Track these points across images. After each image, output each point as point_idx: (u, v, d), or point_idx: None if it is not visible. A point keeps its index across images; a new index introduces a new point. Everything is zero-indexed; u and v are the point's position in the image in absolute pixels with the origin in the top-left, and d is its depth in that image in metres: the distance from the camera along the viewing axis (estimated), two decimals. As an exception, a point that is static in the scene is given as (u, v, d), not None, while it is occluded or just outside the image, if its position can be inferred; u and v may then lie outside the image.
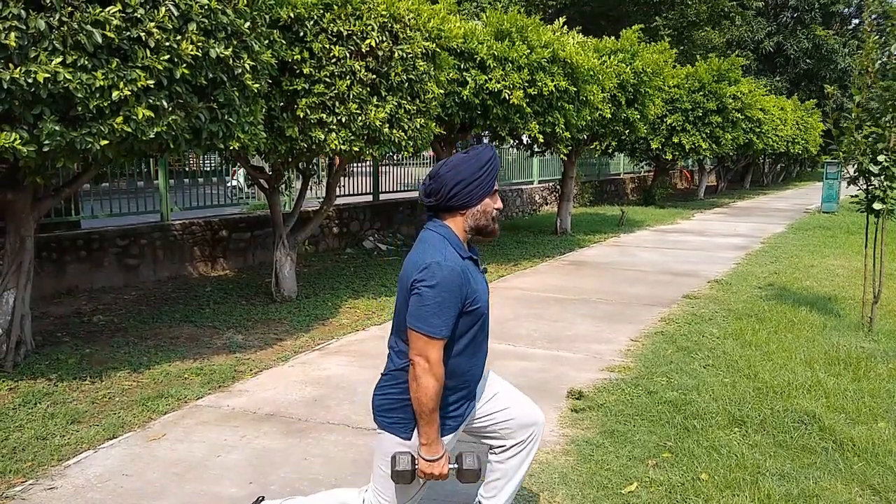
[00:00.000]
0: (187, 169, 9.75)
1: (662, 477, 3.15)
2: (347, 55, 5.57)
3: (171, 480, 3.12)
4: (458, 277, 2.12)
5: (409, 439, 2.21)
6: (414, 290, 2.13)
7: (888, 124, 5.22)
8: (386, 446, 2.25)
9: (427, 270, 2.11)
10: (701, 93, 15.78)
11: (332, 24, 5.53)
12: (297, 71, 5.49)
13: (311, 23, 5.48)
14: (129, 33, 3.75)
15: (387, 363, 2.32)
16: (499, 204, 2.30)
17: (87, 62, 3.61)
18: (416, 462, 2.17)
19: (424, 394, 2.10)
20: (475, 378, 2.33)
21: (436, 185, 2.24)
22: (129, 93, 3.75)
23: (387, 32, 5.79)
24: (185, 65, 3.99)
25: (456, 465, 2.22)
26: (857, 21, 35.09)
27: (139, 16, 3.77)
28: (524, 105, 8.12)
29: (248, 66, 4.44)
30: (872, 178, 5.42)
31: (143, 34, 3.79)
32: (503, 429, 2.43)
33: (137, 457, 3.35)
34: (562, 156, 11.21)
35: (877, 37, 5.34)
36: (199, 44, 4.04)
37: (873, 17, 5.39)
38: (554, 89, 8.33)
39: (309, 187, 7.14)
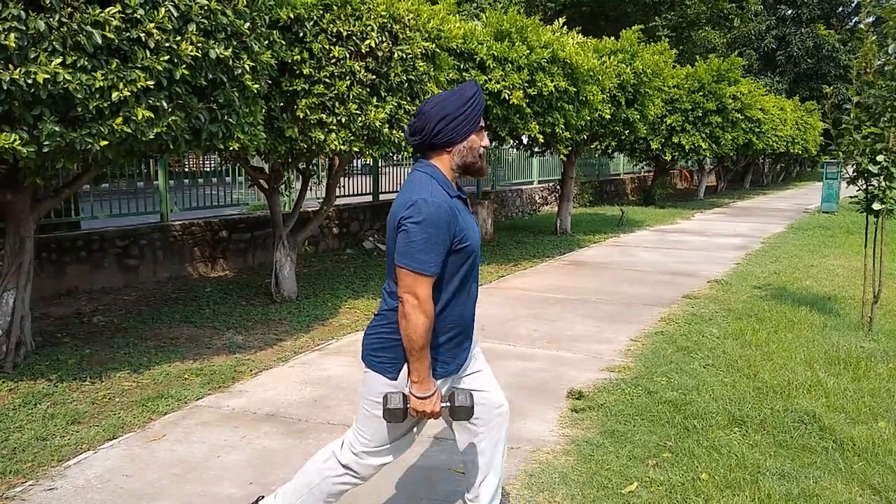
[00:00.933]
0: (187, 169, 9.76)
1: (663, 477, 3.15)
2: (347, 56, 5.57)
3: (170, 481, 3.12)
4: (444, 214, 2.12)
5: (396, 379, 2.23)
6: (401, 228, 2.13)
7: (887, 124, 5.22)
8: (372, 386, 2.27)
9: (413, 207, 2.10)
10: (701, 93, 15.79)
11: (331, 25, 5.53)
12: (297, 71, 5.49)
13: (311, 23, 5.48)
14: (128, 34, 3.75)
15: (380, 304, 2.34)
16: (485, 141, 2.29)
17: (86, 63, 3.61)
18: (408, 400, 2.20)
19: (414, 331, 2.11)
20: (466, 319, 2.31)
21: (420, 122, 2.23)
22: (128, 93, 3.75)
23: (386, 33, 5.79)
24: (184, 65, 3.99)
25: (448, 403, 2.24)
26: (856, 20, 35.11)
27: (139, 16, 3.77)
28: (524, 105, 8.12)
29: (247, 67, 4.44)
30: (871, 179, 5.42)
31: (142, 35, 3.79)
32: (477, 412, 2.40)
33: (137, 457, 3.35)
34: (561, 156, 11.21)
35: (875, 37, 5.34)
36: (199, 44, 4.04)
37: (870, 18, 5.39)
38: (554, 90, 8.34)
39: (309, 188, 7.14)
